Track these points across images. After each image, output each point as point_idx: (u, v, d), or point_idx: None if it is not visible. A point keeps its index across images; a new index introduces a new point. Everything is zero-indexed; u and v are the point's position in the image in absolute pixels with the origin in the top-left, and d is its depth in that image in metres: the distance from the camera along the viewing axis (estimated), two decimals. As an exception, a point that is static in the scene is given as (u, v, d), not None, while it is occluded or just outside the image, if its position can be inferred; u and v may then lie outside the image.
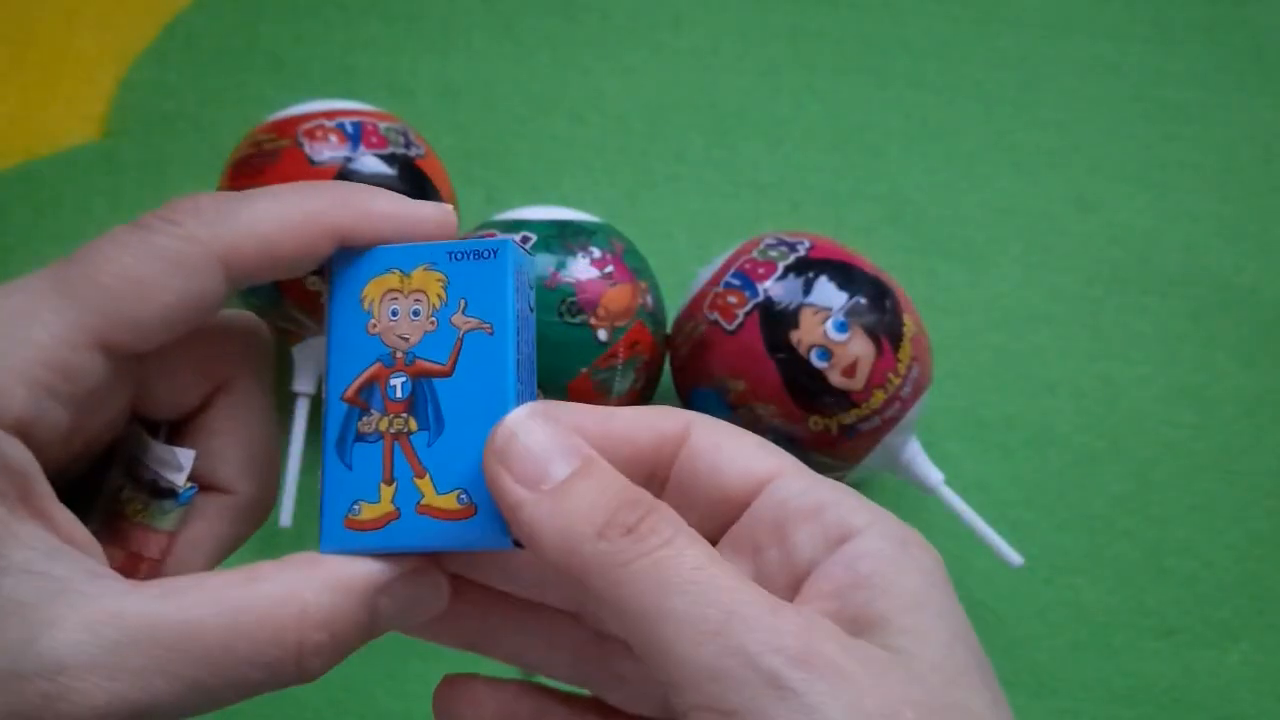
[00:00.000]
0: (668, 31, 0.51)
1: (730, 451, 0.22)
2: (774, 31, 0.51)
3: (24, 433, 0.19)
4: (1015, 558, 0.37)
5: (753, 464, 0.22)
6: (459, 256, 0.22)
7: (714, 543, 0.21)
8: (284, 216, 0.21)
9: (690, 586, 0.18)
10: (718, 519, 0.22)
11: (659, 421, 0.22)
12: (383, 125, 0.39)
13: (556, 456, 0.20)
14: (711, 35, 0.51)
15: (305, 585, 0.20)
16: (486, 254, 0.22)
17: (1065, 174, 0.48)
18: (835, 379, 0.35)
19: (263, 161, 0.37)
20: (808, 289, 0.35)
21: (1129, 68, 0.51)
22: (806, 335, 0.35)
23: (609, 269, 0.36)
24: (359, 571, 0.21)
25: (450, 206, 0.23)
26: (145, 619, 0.18)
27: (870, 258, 0.38)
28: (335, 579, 0.20)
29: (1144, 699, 0.39)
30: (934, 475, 0.37)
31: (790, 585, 0.21)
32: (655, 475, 0.22)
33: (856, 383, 0.35)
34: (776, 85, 0.50)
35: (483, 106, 0.48)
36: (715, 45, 0.50)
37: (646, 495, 0.20)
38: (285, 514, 0.38)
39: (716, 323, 0.36)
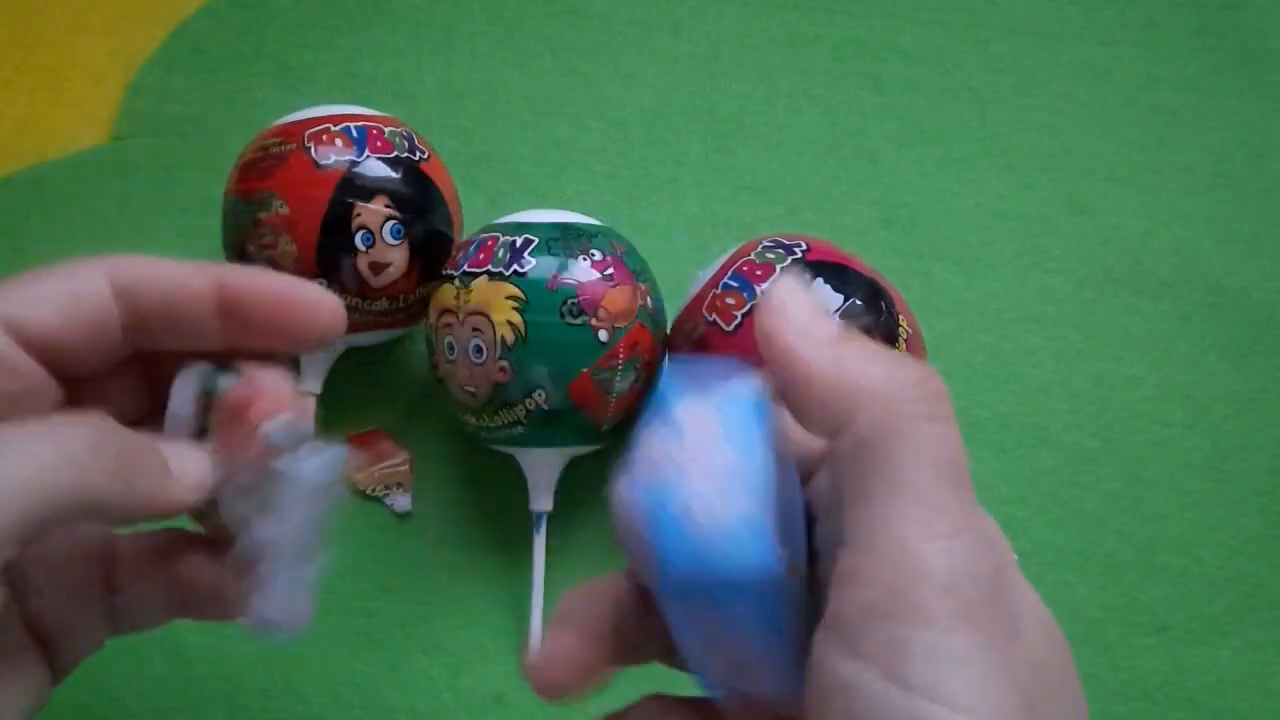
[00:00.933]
0: (668, 38, 0.51)
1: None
2: (772, 38, 0.51)
3: None
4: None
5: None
6: None
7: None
8: (178, 260, 0.24)
9: (934, 480, 0.19)
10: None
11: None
12: (387, 130, 0.39)
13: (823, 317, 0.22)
14: (710, 42, 0.51)
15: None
16: None
17: (1058, 177, 0.49)
18: (831, 378, 0.35)
19: (270, 165, 0.38)
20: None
21: (1121, 72, 0.51)
22: (803, 336, 0.35)
23: (610, 271, 0.37)
24: None
25: (328, 294, 0.25)
26: None
27: (866, 260, 0.38)
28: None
29: (1136, 694, 0.40)
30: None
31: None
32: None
33: (852, 382, 0.35)
34: (774, 91, 0.50)
35: (486, 111, 0.49)
36: (714, 51, 0.51)
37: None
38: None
39: (715, 324, 0.36)
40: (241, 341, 0.25)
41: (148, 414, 0.26)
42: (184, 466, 0.23)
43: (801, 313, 0.22)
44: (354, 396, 0.43)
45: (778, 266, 0.36)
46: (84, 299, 0.23)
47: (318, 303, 0.25)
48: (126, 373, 0.25)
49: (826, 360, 0.21)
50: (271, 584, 0.24)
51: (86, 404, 0.24)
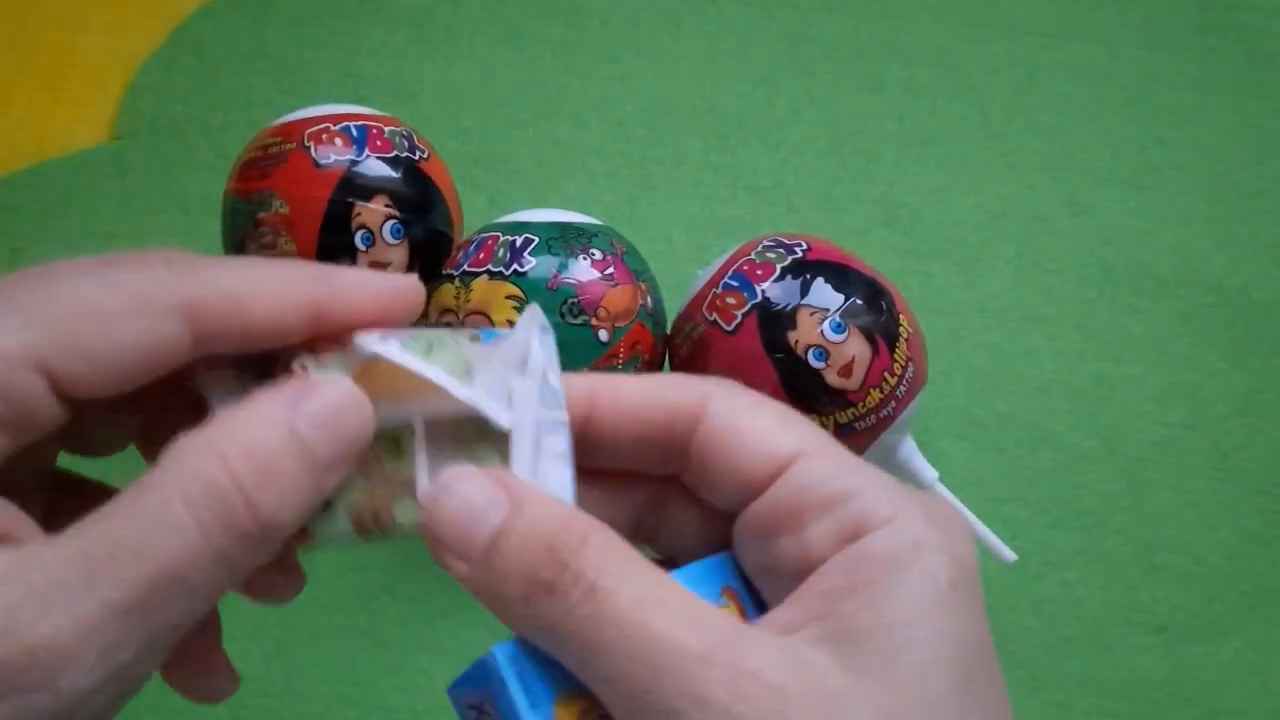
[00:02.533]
0: (668, 38, 0.51)
1: (748, 430, 0.20)
2: (771, 38, 0.51)
3: None
4: (1009, 554, 0.38)
5: (773, 444, 0.20)
6: None
7: (733, 518, 0.21)
8: (254, 277, 0.20)
9: (616, 644, 0.18)
10: (738, 499, 0.21)
11: (673, 394, 0.21)
12: (387, 129, 0.39)
13: (482, 512, 0.19)
14: (710, 42, 0.51)
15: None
16: None
17: (1058, 177, 0.49)
18: (832, 379, 0.35)
19: (269, 164, 0.38)
20: (805, 290, 0.36)
21: (1121, 72, 0.51)
22: (804, 336, 0.35)
23: (610, 270, 0.37)
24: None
25: (415, 278, 0.22)
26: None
27: (866, 259, 0.38)
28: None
29: (1137, 693, 0.40)
30: (928, 473, 0.38)
31: (797, 578, 0.20)
32: (670, 449, 0.21)
33: (853, 382, 0.35)
34: (774, 91, 0.50)
35: (486, 111, 0.49)
36: (714, 51, 0.51)
37: (571, 529, 0.19)
38: None
39: (715, 323, 0.36)
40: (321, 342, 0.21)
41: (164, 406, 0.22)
42: (324, 434, 0.19)
43: (453, 516, 0.19)
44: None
45: (778, 266, 0.36)
46: (155, 355, 0.19)
47: (411, 301, 0.21)
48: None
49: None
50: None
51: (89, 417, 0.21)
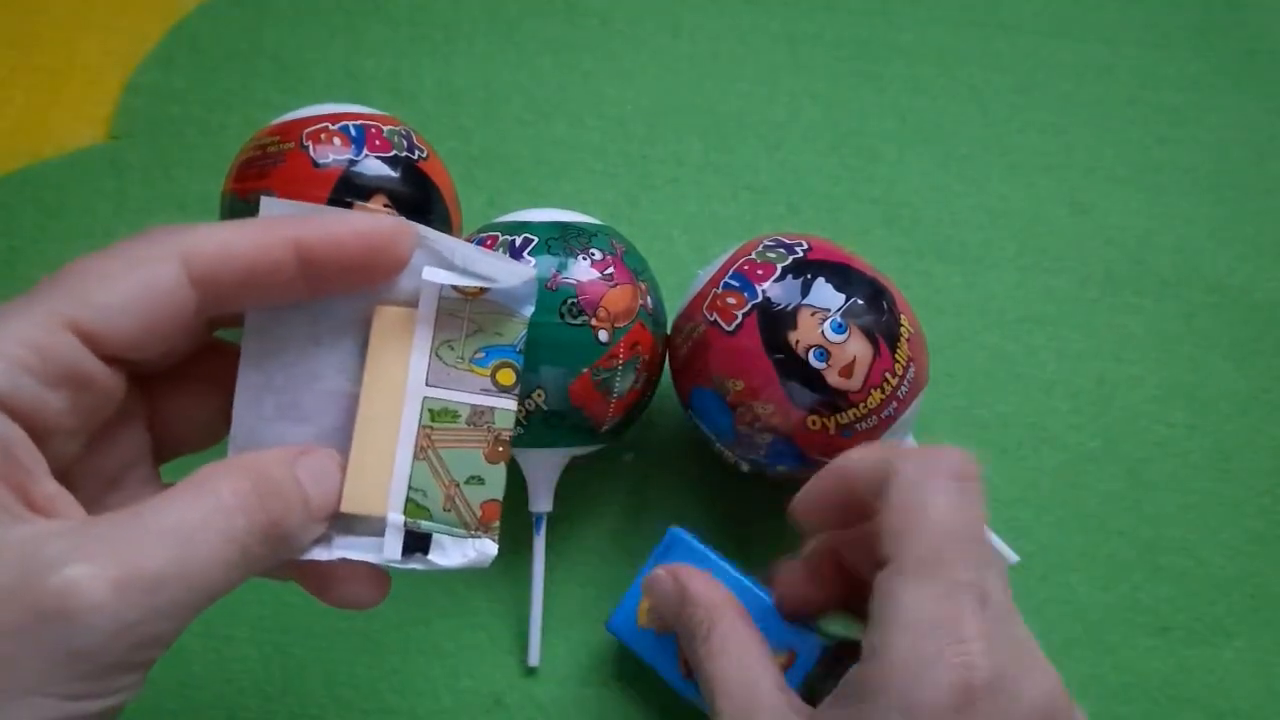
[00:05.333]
0: (667, 36, 0.51)
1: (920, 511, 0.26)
2: (772, 37, 0.51)
3: (7, 407, 0.21)
4: (1010, 555, 0.38)
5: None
6: None
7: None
8: (240, 225, 0.23)
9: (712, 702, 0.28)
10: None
11: (866, 472, 0.28)
12: (386, 129, 0.39)
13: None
14: (710, 40, 0.51)
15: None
16: None
17: (1060, 176, 0.49)
18: (833, 379, 0.35)
19: (267, 164, 0.38)
20: (805, 290, 0.36)
21: (1123, 71, 0.51)
22: (804, 336, 0.35)
23: (610, 270, 0.37)
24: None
25: (406, 222, 0.24)
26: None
27: (867, 259, 0.38)
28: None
29: (1139, 695, 0.40)
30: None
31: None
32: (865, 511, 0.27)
33: (854, 383, 0.35)
34: (774, 89, 0.50)
35: (485, 110, 0.49)
36: (714, 50, 0.51)
37: (709, 612, 0.30)
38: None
39: (715, 323, 0.36)
40: (325, 291, 0.24)
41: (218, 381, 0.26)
42: (318, 484, 0.24)
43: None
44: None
45: (778, 265, 0.36)
46: (160, 297, 0.22)
47: (395, 237, 0.24)
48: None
49: None
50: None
51: (159, 391, 0.24)
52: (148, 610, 0.20)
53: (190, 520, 0.21)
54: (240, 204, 0.38)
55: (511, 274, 0.25)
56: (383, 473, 0.24)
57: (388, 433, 0.24)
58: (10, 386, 0.20)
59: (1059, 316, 0.46)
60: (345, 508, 0.25)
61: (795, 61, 0.51)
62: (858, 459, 0.28)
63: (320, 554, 0.25)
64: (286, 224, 0.23)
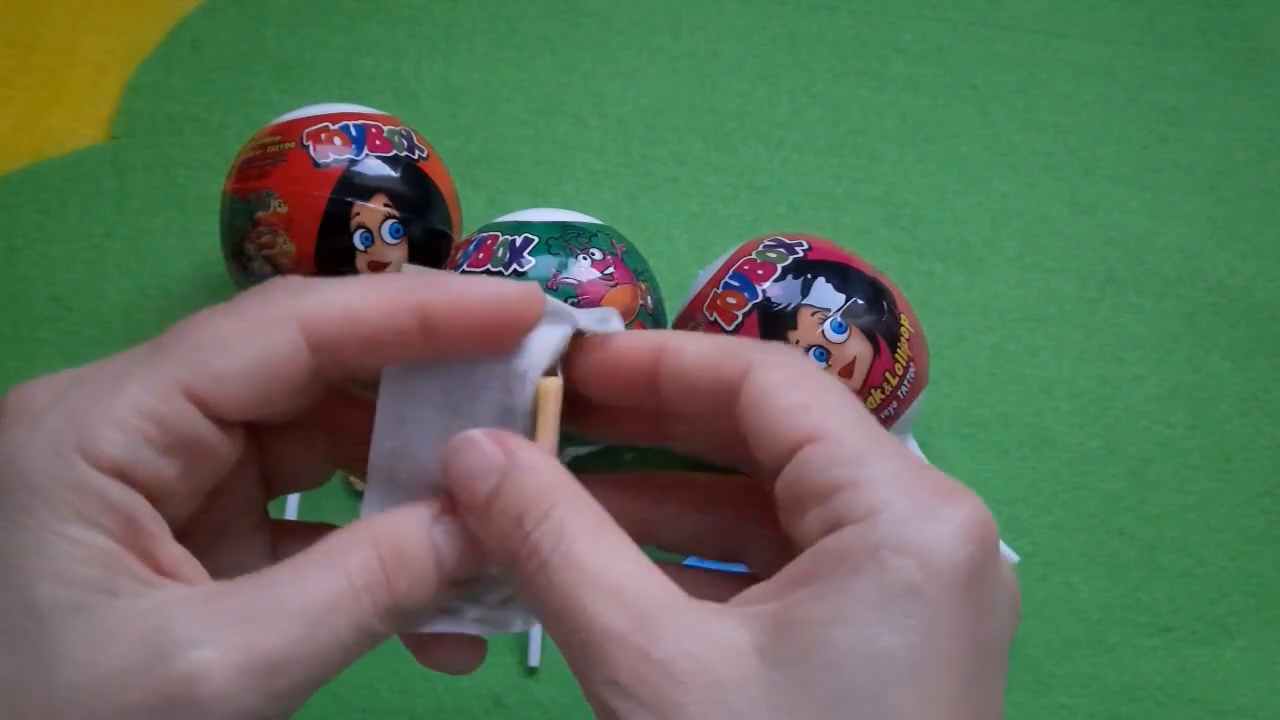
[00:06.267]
0: (668, 36, 0.51)
1: (774, 408, 0.21)
2: (772, 36, 0.51)
3: (127, 477, 0.20)
4: (1011, 555, 0.38)
5: (790, 425, 0.21)
6: None
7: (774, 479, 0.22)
8: (364, 285, 0.22)
9: (557, 618, 0.20)
10: (771, 466, 0.21)
11: (721, 364, 0.22)
12: (386, 129, 0.39)
13: (482, 473, 0.21)
14: (711, 40, 0.51)
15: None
16: None
17: (1060, 176, 0.49)
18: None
19: (268, 164, 0.38)
20: (806, 290, 0.36)
21: (1123, 71, 0.51)
22: (804, 336, 0.35)
23: (610, 270, 0.37)
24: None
25: (536, 285, 0.23)
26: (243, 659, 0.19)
27: (867, 259, 0.38)
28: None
29: (1141, 695, 0.40)
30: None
31: (785, 561, 0.20)
32: (720, 409, 0.22)
33: (854, 383, 0.35)
34: (775, 89, 0.50)
35: (485, 110, 0.49)
36: (715, 50, 0.51)
37: (540, 501, 0.21)
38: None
39: (716, 323, 0.36)
40: (446, 354, 0.23)
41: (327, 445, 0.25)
42: (453, 544, 0.22)
43: (464, 471, 0.22)
44: (353, 397, 0.43)
45: (778, 265, 0.36)
46: (279, 364, 0.21)
47: (523, 306, 0.22)
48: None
49: None
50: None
51: (267, 437, 0.24)
52: (266, 695, 0.19)
53: (318, 601, 0.20)
54: (240, 204, 0.38)
55: (604, 321, 0.24)
56: None
57: None
58: (132, 458, 0.20)
59: (1059, 316, 0.46)
60: None
61: (796, 61, 0.51)
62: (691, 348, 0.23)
63: (448, 626, 0.23)
64: (413, 287, 0.22)
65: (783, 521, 0.21)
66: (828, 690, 0.18)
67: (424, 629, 0.23)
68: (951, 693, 0.19)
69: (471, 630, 0.24)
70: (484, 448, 0.21)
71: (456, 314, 0.22)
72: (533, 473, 0.21)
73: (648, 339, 0.23)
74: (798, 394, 0.21)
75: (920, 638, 0.18)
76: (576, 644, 0.19)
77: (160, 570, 0.20)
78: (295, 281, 0.22)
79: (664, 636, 0.19)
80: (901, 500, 0.20)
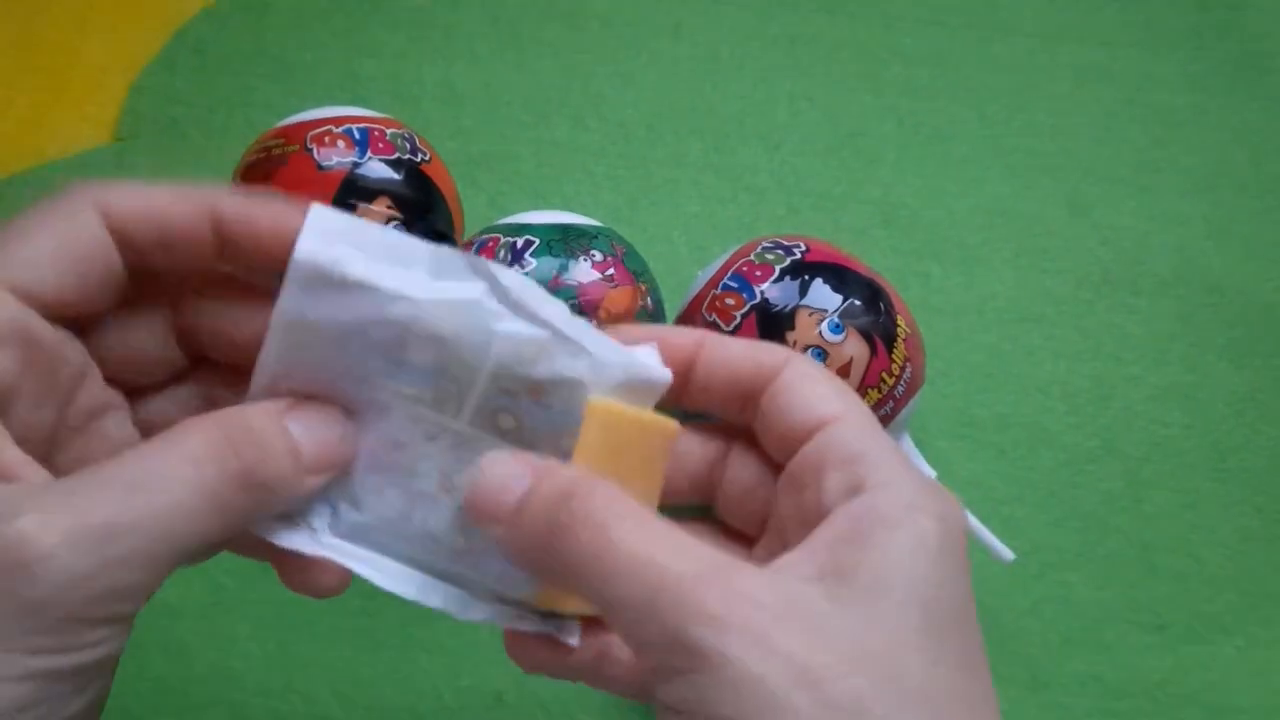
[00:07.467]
0: (668, 39, 0.51)
1: (805, 392, 0.24)
2: (771, 39, 0.51)
3: None
4: (1007, 554, 0.38)
5: (818, 407, 0.23)
6: None
7: (782, 469, 0.24)
8: (174, 188, 0.23)
9: (621, 571, 0.20)
10: (785, 451, 0.24)
11: (761, 355, 0.25)
12: (389, 131, 0.40)
13: (512, 482, 0.22)
14: (710, 43, 0.51)
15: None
16: None
17: (1057, 177, 0.49)
18: (831, 378, 0.35)
19: (271, 166, 0.38)
20: (803, 291, 0.36)
21: (1120, 73, 0.51)
22: (802, 336, 0.35)
23: (610, 272, 0.37)
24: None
25: (316, 203, 0.24)
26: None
27: (865, 260, 0.38)
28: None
29: (1136, 692, 0.40)
30: (927, 473, 0.38)
31: (811, 524, 0.22)
32: (749, 398, 0.25)
33: (850, 383, 0.35)
34: (773, 92, 0.50)
35: (486, 112, 0.49)
36: (714, 53, 0.51)
37: (581, 482, 0.21)
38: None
39: (715, 324, 0.37)
40: (239, 264, 0.24)
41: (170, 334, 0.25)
42: (312, 434, 0.23)
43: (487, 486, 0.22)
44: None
45: (776, 267, 0.37)
46: (82, 248, 0.22)
47: (295, 218, 0.23)
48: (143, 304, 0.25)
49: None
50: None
51: (107, 343, 0.24)
52: (102, 561, 0.19)
53: (152, 470, 0.21)
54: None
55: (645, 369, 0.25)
56: None
57: None
58: None
59: (1056, 317, 0.46)
60: (539, 604, 0.24)
61: (795, 64, 0.51)
62: (736, 352, 0.25)
63: (306, 545, 0.24)
64: (211, 193, 0.23)
65: (795, 493, 0.24)
66: (894, 622, 0.20)
67: (283, 542, 0.24)
68: (972, 625, 0.22)
69: (328, 555, 0.24)
70: (508, 461, 0.22)
71: (244, 221, 0.23)
72: (560, 470, 0.22)
73: (691, 332, 0.25)
74: (824, 387, 0.24)
75: (952, 580, 0.21)
76: (645, 596, 0.20)
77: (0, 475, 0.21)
78: (93, 181, 0.23)
79: (741, 578, 0.20)
80: (908, 473, 0.22)
